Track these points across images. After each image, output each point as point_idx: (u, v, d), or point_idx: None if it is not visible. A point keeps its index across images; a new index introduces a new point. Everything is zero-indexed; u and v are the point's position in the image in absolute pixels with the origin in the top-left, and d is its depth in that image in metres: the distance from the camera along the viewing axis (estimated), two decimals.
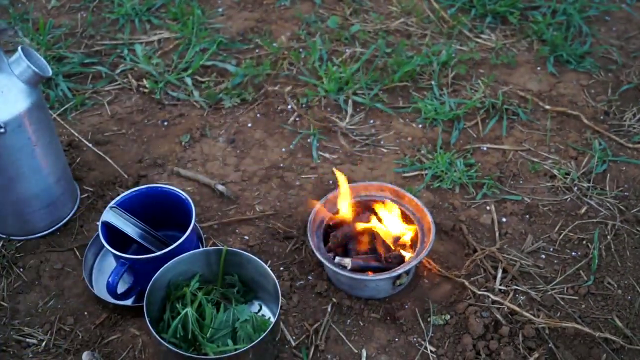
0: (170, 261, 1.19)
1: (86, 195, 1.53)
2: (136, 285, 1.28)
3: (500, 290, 1.34)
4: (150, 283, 1.16)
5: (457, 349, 1.25)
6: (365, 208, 1.40)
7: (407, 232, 1.35)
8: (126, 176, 1.57)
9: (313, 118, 1.73)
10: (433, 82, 1.85)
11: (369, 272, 1.29)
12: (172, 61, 1.90)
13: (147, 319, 1.12)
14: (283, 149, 1.66)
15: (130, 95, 1.81)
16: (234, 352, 1.11)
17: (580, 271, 1.39)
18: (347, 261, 1.29)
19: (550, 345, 1.25)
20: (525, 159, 1.64)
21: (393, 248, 1.35)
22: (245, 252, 1.22)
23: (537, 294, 1.34)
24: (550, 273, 1.39)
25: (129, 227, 1.29)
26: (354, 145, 1.68)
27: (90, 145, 1.65)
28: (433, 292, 1.35)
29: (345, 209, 1.37)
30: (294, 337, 1.27)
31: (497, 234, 1.46)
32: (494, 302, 1.31)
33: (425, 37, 2.03)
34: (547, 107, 1.77)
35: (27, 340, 1.26)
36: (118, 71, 1.87)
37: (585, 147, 1.67)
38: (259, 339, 1.09)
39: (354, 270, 1.27)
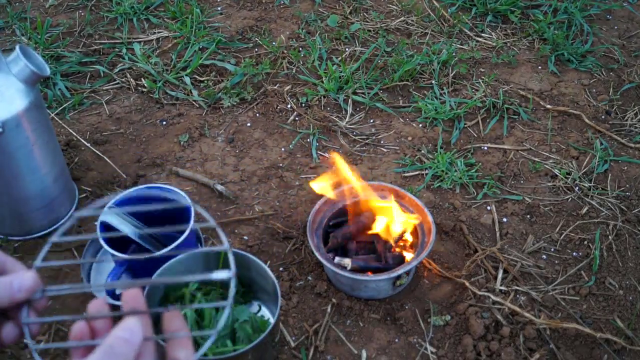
0: (169, 261, 1.18)
1: (84, 195, 1.52)
2: None
3: (501, 290, 1.33)
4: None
5: (458, 350, 1.24)
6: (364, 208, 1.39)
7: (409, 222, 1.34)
8: (125, 176, 1.57)
9: (313, 117, 1.73)
10: (433, 82, 1.84)
11: (369, 273, 1.28)
12: (170, 60, 1.90)
13: None
14: (282, 149, 1.65)
15: (129, 95, 1.80)
16: (233, 353, 1.09)
17: (582, 271, 1.39)
18: (347, 261, 1.28)
19: (551, 346, 1.24)
20: (526, 158, 1.64)
21: (393, 248, 1.34)
22: (244, 252, 1.22)
23: (538, 294, 1.33)
24: (551, 273, 1.38)
25: (127, 227, 1.28)
26: (354, 145, 1.67)
27: (88, 144, 1.64)
28: (433, 292, 1.34)
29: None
30: (293, 338, 1.26)
31: (497, 234, 1.45)
32: (494, 302, 1.30)
33: (425, 36, 2.02)
34: (548, 106, 1.77)
35: (25, 341, 1.25)
36: (116, 70, 1.86)
37: (587, 146, 1.67)
38: (258, 340, 1.09)
39: (354, 270, 1.27)
